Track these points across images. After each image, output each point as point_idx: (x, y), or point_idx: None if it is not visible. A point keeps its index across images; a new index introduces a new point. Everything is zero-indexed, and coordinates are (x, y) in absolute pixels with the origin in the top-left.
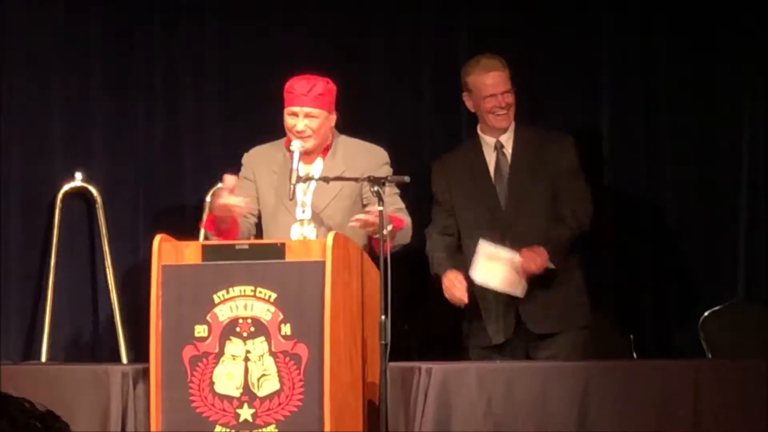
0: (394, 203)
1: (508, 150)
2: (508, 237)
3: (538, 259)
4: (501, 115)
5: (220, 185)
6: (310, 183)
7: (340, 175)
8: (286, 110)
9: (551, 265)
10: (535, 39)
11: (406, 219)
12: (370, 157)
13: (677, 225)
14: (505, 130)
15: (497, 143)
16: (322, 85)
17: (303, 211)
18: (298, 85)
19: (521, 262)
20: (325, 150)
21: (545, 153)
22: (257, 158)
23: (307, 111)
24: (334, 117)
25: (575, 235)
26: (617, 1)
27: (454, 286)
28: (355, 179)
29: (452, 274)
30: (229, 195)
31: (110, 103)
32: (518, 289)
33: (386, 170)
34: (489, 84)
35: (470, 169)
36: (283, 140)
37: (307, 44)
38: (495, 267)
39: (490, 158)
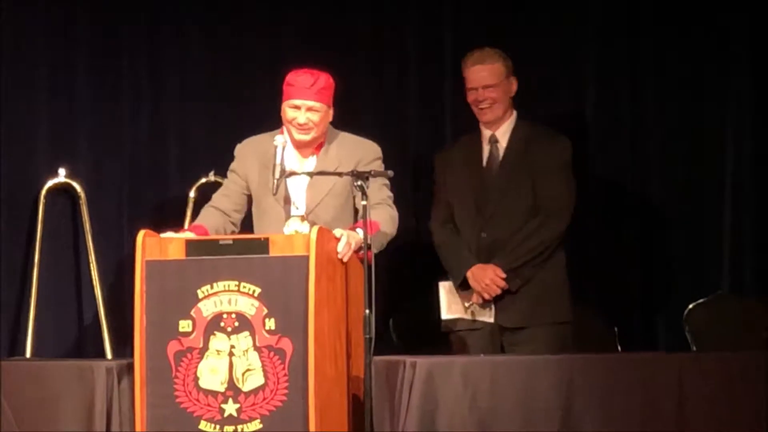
0: (379, 195)
1: (503, 144)
2: (486, 230)
3: (489, 288)
4: (482, 109)
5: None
6: (305, 179)
7: (337, 169)
8: (287, 103)
9: (509, 286)
10: (520, 32)
11: (384, 216)
12: (363, 152)
13: (661, 217)
14: (493, 124)
15: (492, 137)
16: (325, 79)
17: (297, 208)
18: (301, 78)
19: (475, 293)
20: (318, 146)
21: (535, 150)
22: (249, 151)
23: (310, 104)
24: (331, 112)
25: (542, 253)
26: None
27: (497, 281)
28: (339, 174)
29: (491, 270)
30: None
31: (94, 99)
32: (487, 314)
33: (378, 165)
34: (472, 78)
35: (466, 161)
36: (276, 132)
37: (292, 40)
38: (457, 300)
39: (485, 151)
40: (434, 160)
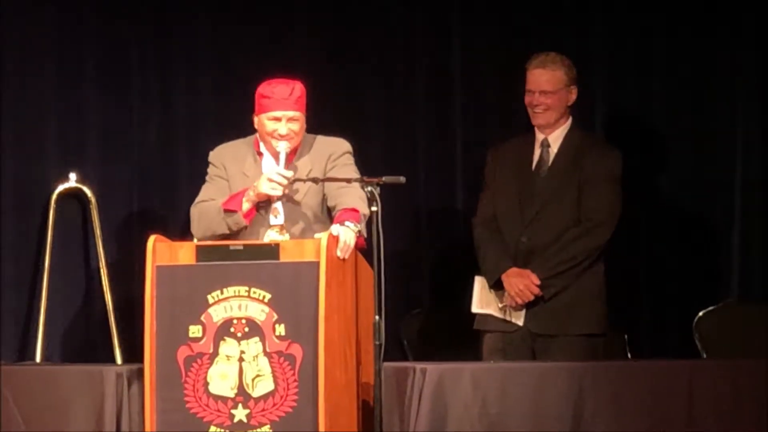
0: (350, 175)
1: (554, 149)
2: (526, 234)
3: (522, 294)
4: (536, 113)
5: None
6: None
7: (310, 172)
8: (265, 115)
9: (543, 293)
10: (528, 39)
11: (356, 199)
12: (332, 149)
13: (671, 225)
14: (546, 128)
15: (545, 141)
16: (300, 87)
17: (276, 217)
18: (277, 89)
19: (508, 296)
20: (292, 153)
21: (586, 158)
22: (227, 156)
23: (291, 115)
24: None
25: (580, 264)
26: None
27: (531, 287)
28: (348, 180)
29: (527, 276)
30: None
31: (104, 103)
32: (517, 317)
33: (347, 157)
34: (531, 80)
35: (517, 160)
36: (251, 140)
37: (301, 44)
38: (491, 297)
39: (536, 154)
40: (487, 153)
